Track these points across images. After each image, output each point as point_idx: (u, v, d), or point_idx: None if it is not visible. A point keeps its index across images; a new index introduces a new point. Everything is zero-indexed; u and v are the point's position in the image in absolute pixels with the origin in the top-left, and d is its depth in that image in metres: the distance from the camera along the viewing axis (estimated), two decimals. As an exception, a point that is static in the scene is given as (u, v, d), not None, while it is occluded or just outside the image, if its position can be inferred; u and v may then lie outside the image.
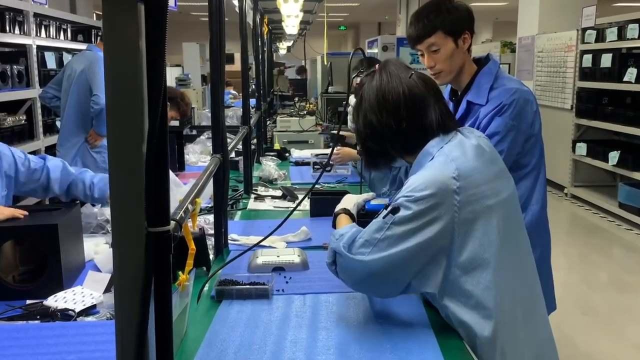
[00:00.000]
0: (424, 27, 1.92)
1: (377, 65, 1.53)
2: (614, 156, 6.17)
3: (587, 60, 6.68)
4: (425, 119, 1.44)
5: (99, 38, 5.65)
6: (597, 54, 6.52)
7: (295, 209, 1.88)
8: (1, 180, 2.13)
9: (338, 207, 1.66)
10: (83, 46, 5.43)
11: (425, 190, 1.32)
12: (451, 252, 1.34)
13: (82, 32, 5.72)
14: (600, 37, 6.49)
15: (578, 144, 6.89)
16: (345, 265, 1.40)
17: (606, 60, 6.30)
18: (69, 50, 5.03)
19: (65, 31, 5.25)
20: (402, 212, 1.33)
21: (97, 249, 2.00)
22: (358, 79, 1.74)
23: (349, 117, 1.74)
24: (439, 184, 1.33)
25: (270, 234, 1.74)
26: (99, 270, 1.83)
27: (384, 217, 1.35)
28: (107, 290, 1.65)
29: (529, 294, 1.45)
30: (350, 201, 1.67)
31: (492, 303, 1.34)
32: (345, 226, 1.47)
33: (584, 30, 6.75)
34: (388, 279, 1.36)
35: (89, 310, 1.56)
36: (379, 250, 1.34)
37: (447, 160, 1.37)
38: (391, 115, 1.43)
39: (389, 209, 1.36)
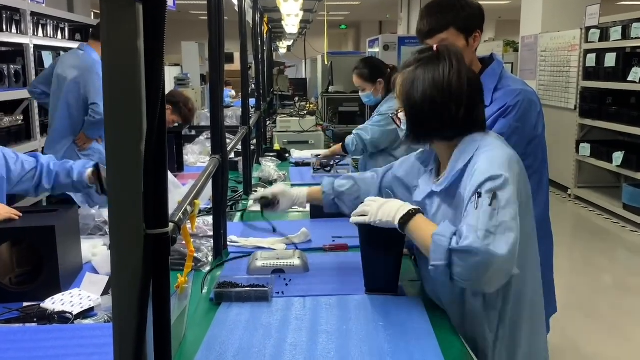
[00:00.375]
0: (437, 21, 1.91)
1: (435, 47, 1.55)
2: (618, 157, 6.17)
3: (591, 60, 6.68)
4: (477, 112, 1.52)
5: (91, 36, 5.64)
6: (601, 53, 6.52)
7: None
8: None
9: (400, 210, 1.51)
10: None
11: (504, 167, 1.39)
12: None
13: (79, 31, 5.72)
14: (604, 36, 6.49)
15: (582, 145, 6.89)
16: (480, 260, 1.28)
17: (610, 60, 6.30)
18: (66, 50, 5.02)
19: (62, 30, 5.25)
20: (501, 194, 1.35)
21: (95, 250, 2.01)
22: (399, 79, 1.73)
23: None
24: (512, 162, 1.42)
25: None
26: (96, 272, 1.83)
27: (490, 205, 1.33)
28: (104, 293, 1.65)
29: (538, 295, 1.54)
30: (397, 203, 1.56)
31: (513, 295, 1.48)
32: (444, 224, 1.38)
33: (588, 29, 6.75)
34: (508, 266, 1.30)
35: (87, 313, 1.56)
36: (501, 235, 1.29)
37: (503, 145, 1.47)
38: (453, 99, 1.48)
39: (487, 195, 1.34)
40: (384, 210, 1.54)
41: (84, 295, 1.62)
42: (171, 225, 0.96)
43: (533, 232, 1.55)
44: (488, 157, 1.42)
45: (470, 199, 1.37)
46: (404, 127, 1.56)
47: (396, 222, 1.49)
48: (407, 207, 1.52)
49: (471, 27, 1.93)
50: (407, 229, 1.48)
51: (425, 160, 1.71)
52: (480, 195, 1.35)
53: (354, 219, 1.62)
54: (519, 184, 1.41)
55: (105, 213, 2.25)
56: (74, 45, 5.29)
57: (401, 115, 1.56)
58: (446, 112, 1.48)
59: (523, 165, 1.50)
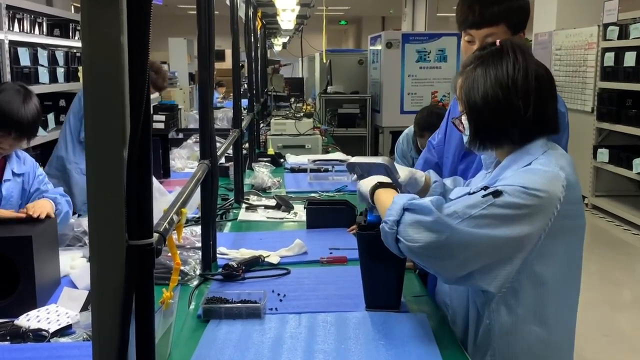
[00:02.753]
0: (491, 14, 1.86)
1: (498, 42, 1.53)
2: (638, 163, 6.19)
3: (609, 59, 6.71)
4: (547, 112, 1.47)
5: (77, 33, 5.66)
6: (620, 52, 6.55)
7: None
8: (18, 188, 2.18)
9: (368, 182, 1.59)
10: (60, 41, 5.44)
11: (538, 187, 1.34)
12: (528, 260, 1.37)
13: (59, 26, 5.73)
14: (624, 33, 6.52)
15: (600, 150, 6.91)
16: (424, 222, 1.31)
17: (630, 59, 6.33)
18: (44, 46, 5.03)
19: (40, 25, 5.26)
20: (506, 198, 1.33)
21: (74, 263, 2.00)
22: (459, 80, 1.73)
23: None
24: (551, 187, 1.36)
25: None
26: (75, 286, 1.83)
27: (483, 196, 1.33)
28: (84, 309, 1.64)
29: (573, 325, 1.53)
30: (379, 177, 1.62)
31: (548, 323, 1.42)
32: (406, 195, 1.42)
33: (606, 26, 6.78)
34: (458, 258, 1.33)
35: (64, 331, 1.56)
36: (467, 225, 1.30)
37: (556, 166, 1.41)
38: (521, 98, 1.43)
39: (489, 190, 1.35)
40: (361, 186, 1.62)
41: (62, 312, 1.61)
42: (156, 235, 0.96)
43: (568, 282, 1.47)
44: (530, 171, 1.39)
45: (479, 188, 1.38)
46: (467, 132, 1.53)
47: (368, 193, 1.57)
48: (376, 180, 1.58)
49: (520, 27, 1.90)
50: (374, 199, 1.55)
51: (488, 164, 1.64)
52: (485, 189, 1.36)
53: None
54: (558, 215, 1.36)
55: (84, 222, 2.24)
56: (52, 41, 5.30)
57: (464, 119, 1.52)
58: (512, 111, 1.44)
59: (579, 196, 1.46)
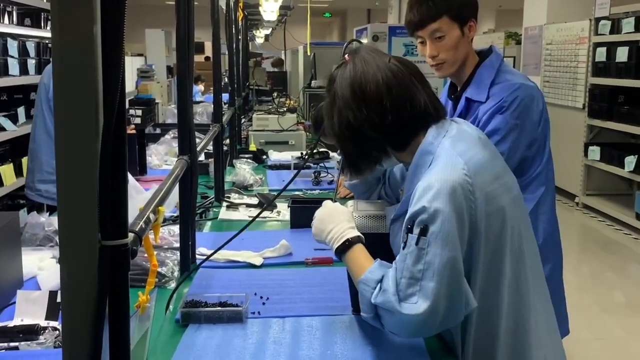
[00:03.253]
0: (428, 10, 1.92)
1: (346, 55, 1.49)
2: (630, 161, 6.25)
3: (601, 54, 6.77)
4: (414, 107, 1.41)
5: (50, 23, 5.59)
6: (612, 47, 6.61)
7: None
8: None
9: (339, 228, 1.50)
10: (31, 31, 5.37)
11: (442, 194, 1.30)
12: (471, 260, 1.35)
13: (29, 15, 5.65)
14: (616, 28, 6.58)
15: (591, 148, 6.98)
16: (399, 319, 1.30)
17: (622, 54, 6.39)
18: (14, 36, 4.96)
19: (10, 14, 5.18)
20: (432, 228, 1.29)
21: (42, 264, 1.97)
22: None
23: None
24: (453, 184, 1.30)
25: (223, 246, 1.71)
26: (39, 289, 1.80)
27: (416, 244, 1.30)
28: (49, 313, 1.61)
29: (548, 313, 1.50)
30: (346, 216, 1.54)
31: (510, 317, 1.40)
32: (372, 267, 1.38)
33: (598, 20, 6.84)
34: (448, 306, 1.29)
35: (32, 337, 1.52)
36: (429, 281, 1.28)
37: (452, 155, 1.36)
38: (372, 109, 1.39)
39: (415, 231, 1.30)
40: (317, 228, 1.55)
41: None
42: (131, 235, 0.95)
43: (523, 271, 1.43)
44: (429, 178, 1.34)
45: (404, 230, 1.35)
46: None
47: (333, 250, 1.50)
48: (345, 232, 1.48)
49: (465, 16, 1.95)
50: (344, 261, 1.49)
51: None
52: (410, 231, 1.32)
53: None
54: (476, 203, 1.32)
55: (56, 221, 2.21)
56: (22, 31, 5.23)
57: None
58: (368, 126, 1.40)
59: (496, 172, 1.40)
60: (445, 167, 1.34)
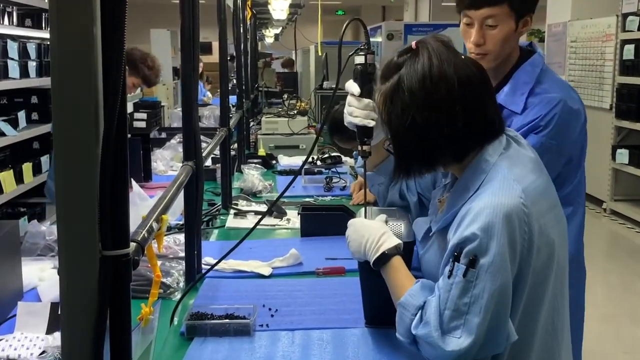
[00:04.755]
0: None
1: (413, 43, 1.43)
2: (661, 165, 6.20)
3: (629, 52, 6.73)
4: (484, 117, 1.37)
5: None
6: (640, 45, 6.57)
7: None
8: None
9: (374, 237, 1.47)
10: (32, 33, 5.42)
11: (496, 223, 1.27)
12: (514, 294, 1.33)
13: (30, 16, 5.71)
14: (644, 24, 6.54)
15: (619, 151, 6.92)
16: (440, 353, 1.29)
17: (651, 52, 6.35)
18: (14, 38, 5.01)
19: (10, 15, 5.24)
20: (482, 260, 1.27)
21: (43, 274, 1.98)
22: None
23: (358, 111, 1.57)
24: (508, 213, 1.28)
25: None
26: (39, 300, 1.81)
27: (464, 276, 1.27)
28: (50, 326, 1.62)
29: (569, 346, 1.50)
30: (382, 227, 1.50)
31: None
32: (413, 290, 1.37)
33: (625, 16, 6.80)
34: (489, 339, 1.29)
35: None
36: (474, 316, 1.27)
37: (509, 180, 1.32)
38: (442, 112, 1.33)
39: (464, 261, 1.28)
40: (355, 242, 1.52)
41: (31, 337, 1.59)
42: (133, 245, 0.95)
43: (561, 304, 1.44)
44: (484, 203, 1.30)
45: (449, 256, 1.32)
46: None
47: (371, 262, 1.49)
48: (384, 244, 1.47)
49: (525, 9, 1.82)
50: (383, 273, 1.48)
51: (444, 173, 1.58)
52: (457, 259, 1.29)
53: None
54: (531, 234, 1.31)
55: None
56: (23, 32, 5.28)
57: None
58: (433, 131, 1.34)
59: (552, 202, 1.39)
60: (501, 192, 1.31)
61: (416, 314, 1.33)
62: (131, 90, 3.86)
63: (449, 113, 1.33)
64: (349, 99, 1.64)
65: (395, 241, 1.48)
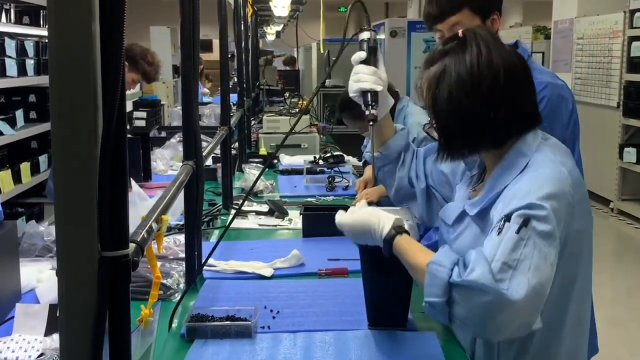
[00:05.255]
0: (448, 2, 1.90)
1: (460, 32, 1.49)
2: (669, 164, 6.19)
3: (637, 49, 6.72)
4: (526, 105, 1.45)
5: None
6: (648, 41, 6.55)
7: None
8: None
9: (382, 225, 1.48)
10: (30, 30, 5.43)
11: (553, 197, 1.31)
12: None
13: (28, 13, 5.72)
14: (652, 21, 6.53)
15: (626, 149, 6.91)
16: (481, 303, 1.23)
17: (659, 49, 6.34)
18: (11, 36, 5.02)
19: (7, 12, 5.24)
20: (535, 223, 1.28)
21: (41, 276, 1.99)
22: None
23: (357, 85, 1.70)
24: (562, 192, 1.33)
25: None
26: (37, 302, 1.81)
27: (517, 232, 1.27)
28: (48, 328, 1.62)
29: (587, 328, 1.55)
30: (385, 214, 1.52)
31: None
32: (443, 250, 1.35)
33: (633, 12, 6.79)
34: (526, 314, 1.26)
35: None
36: (522, 274, 1.24)
37: (556, 163, 1.38)
38: (488, 100, 1.40)
39: (516, 220, 1.28)
40: (358, 224, 1.52)
41: (29, 339, 1.60)
42: (132, 245, 0.96)
43: (588, 282, 1.51)
44: (534, 178, 1.35)
45: (496, 223, 1.32)
46: None
47: (382, 239, 1.47)
48: (390, 221, 1.48)
49: (488, 8, 1.92)
50: (395, 249, 1.45)
51: (470, 162, 1.62)
52: (508, 220, 1.30)
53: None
54: (571, 218, 1.35)
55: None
56: (21, 29, 5.29)
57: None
58: (479, 116, 1.40)
59: (585, 192, 1.44)
60: (550, 171, 1.36)
61: (454, 268, 1.28)
62: (130, 86, 3.89)
63: (494, 100, 1.40)
64: (357, 67, 1.75)
65: (393, 218, 1.49)
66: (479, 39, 1.44)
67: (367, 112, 1.72)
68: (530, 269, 1.24)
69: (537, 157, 1.40)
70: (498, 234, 1.29)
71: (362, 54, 1.76)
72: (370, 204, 1.71)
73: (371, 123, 1.72)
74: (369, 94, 1.73)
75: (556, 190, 1.32)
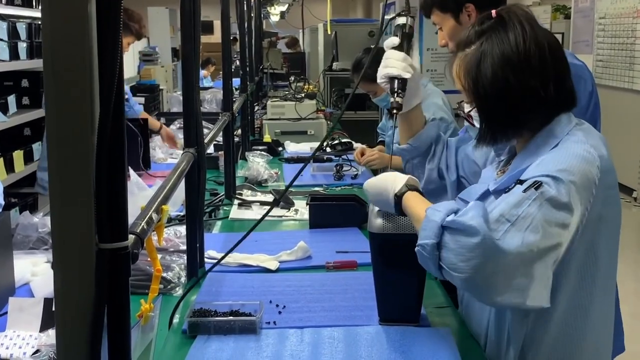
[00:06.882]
0: (424, 4, 2.02)
1: (494, 12, 1.50)
2: (696, 150, 6.16)
3: (662, 29, 6.66)
4: (568, 82, 1.47)
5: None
6: (674, 21, 6.51)
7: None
8: None
9: (395, 183, 1.52)
10: (22, 11, 5.42)
11: (573, 171, 1.32)
12: (567, 257, 1.36)
13: (20, -7, 5.72)
14: (679, -1, 6.48)
15: (650, 135, 6.88)
16: (469, 246, 1.24)
17: (686, 29, 6.29)
18: (3, 17, 5.02)
19: (-2, -7, 5.24)
20: (546, 187, 1.29)
21: (36, 269, 2.00)
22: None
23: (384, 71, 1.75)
24: (586, 171, 1.34)
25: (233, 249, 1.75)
26: (31, 296, 1.82)
27: (523, 192, 1.29)
28: (44, 323, 1.63)
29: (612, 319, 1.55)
30: (402, 175, 1.57)
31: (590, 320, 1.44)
32: (443, 202, 1.38)
33: (658, -10, 6.73)
34: (517, 273, 1.26)
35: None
36: (518, 230, 1.25)
37: (586, 145, 1.39)
38: (537, 77, 1.41)
39: (527, 183, 1.31)
40: (377, 183, 1.57)
41: (23, 335, 1.61)
42: (132, 237, 0.96)
43: (612, 276, 1.52)
44: (559, 154, 1.38)
45: (511, 185, 1.35)
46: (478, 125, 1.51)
47: (392, 198, 1.50)
48: (403, 180, 1.53)
49: (454, 5, 1.98)
50: (403, 204, 1.49)
51: (500, 147, 1.63)
52: (520, 183, 1.32)
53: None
54: (594, 202, 1.36)
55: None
56: (13, 11, 5.29)
57: (473, 112, 1.50)
58: (529, 95, 1.42)
59: (614, 180, 1.46)
60: (577, 152, 1.37)
61: (450, 214, 1.30)
62: (126, 50, 4.04)
63: (543, 77, 1.42)
64: (388, 52, 1.79)
65: (407, 177, 1.54)
66: (520, 16, 1.47)
67: (391, 100, 1.73)
68: (528, 228, 1.26)
69: (567, 139, 1.42)
70: (506, 192, 1.33)
71: (394, 40, 1.79)
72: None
73: (395, 111, 1.72)
74: (396, 81, 1.74)
75: (579, 169, 1.33)
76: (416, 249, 1.34)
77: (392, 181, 1.54)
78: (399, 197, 1.50)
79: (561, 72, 1.45)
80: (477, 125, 1.51)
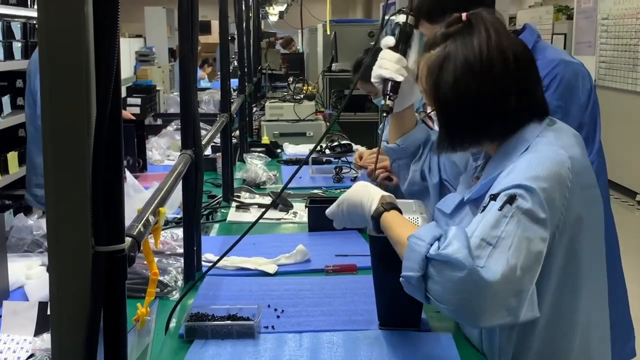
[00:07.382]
0: (415, 18, 1.94)
1: (464, 15, 1.49)
2: (700, 153, 6.17)
3: (666, 30, 6.68)
4: (535, 94, 1.46)
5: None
6: (678, 22, 6.52)
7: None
8: None
9: (370, 201, 1.53)
10: (17, 11, 5.42)
11: (545, 178, 1.31)
12: (548, 262, 1.35)
13: (15, -8, 5.72)
14: (683, -1, 6.49)
15: (654, 138, 6.89)
16: (455, 279, 1.24)
17: (690, 30, 6.30)
18: (1, 16, 5.02)
19: (-7, -8, 5.24)
20: (521, 201, 1.29)
21: (30, 272, 2.00)
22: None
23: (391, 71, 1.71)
24: (556, 174, 1.33)
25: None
26: (26, 300, 1.82)
27: (499, 209, 1.29)
28: (38, 327, 1.63)
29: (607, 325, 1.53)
30: (376, 190, 1.57)
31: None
32: (429, 225, 1.37)
33: (662, -9, 6.75)
34: (507, 296, 1.26)
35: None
36: (501, 252, 1.25)
37: (556, 146, 1.38)
38: (498, 87, 1.41)
39: (501, 199, 1.30)
40: (350, 200, 1.58)
41: (18, 339, 1.60)
42: (128, 240, 0.95)
43: (598, 269, 1.50)
44: (528, 160, 1.37)
45: (485, 203, 1.34)
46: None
47: (370, 213, 1.51)
48: (378, 197, 1.52)
49: (441, 12, 1.85)
50: (381, 224, 1.49)
51: (476, 152, 1.64)
52: (494, 199, 1.32)
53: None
54: (569, 204, 1.35)
55: (45, 225, 2.23)
56: (6, 10, 5.28)
57: (433, 114, 1.50)
58: (489, 103, 1.41)
59: (592, 178, 1.45)
60: (547, 156, 1.36)
61: (434, 243, 1.29)
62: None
63: (505, 88, 1.41)
64: (383, 52, 1.76)
65: (381, 194, 1.54)
66: (487, 22, 1.45)
67: (382, 102, 1.72)
68: (511, 248, 1.26)
69: (537, 142, 1.41)
70: (481, 212, 1.32)
71: (390, 40, 1.76)
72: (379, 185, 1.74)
73: (385, 114, 1.72)
74: (389, 83, 1.74)
75: (549, 173, 1.33)
76: (401, 279, 1.34)
77: (367, 196, 1.55)
78: (375, 219, 1.50)
79: (528, 83, 1.44)
80: (437, 128, 1.51)
